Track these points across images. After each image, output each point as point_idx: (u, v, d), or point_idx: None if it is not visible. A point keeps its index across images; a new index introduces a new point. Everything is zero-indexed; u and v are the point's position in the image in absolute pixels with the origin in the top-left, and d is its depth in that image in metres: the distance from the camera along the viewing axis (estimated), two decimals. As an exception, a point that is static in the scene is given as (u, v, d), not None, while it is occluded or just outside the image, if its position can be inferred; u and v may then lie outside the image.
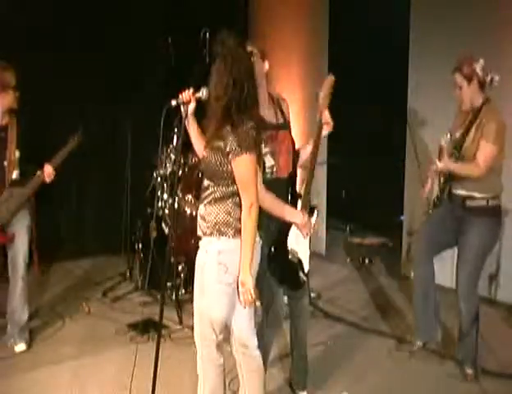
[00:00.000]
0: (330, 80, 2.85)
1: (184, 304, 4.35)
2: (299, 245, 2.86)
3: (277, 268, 2.88)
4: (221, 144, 2.32)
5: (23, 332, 3.72)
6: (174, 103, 2.39)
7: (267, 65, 2.82)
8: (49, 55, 5.22)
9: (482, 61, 3.32)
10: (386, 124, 5.94)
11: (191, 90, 2.41)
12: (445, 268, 4.92)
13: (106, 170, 5.78)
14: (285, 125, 2.86)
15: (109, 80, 5.58)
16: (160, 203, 4.69)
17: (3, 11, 5.00)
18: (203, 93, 2.41)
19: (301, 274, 2.92)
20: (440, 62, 4.69)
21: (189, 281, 4.64)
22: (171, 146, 4.66)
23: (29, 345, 3.73)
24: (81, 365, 3.51)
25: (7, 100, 3.48)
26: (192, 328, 3.97)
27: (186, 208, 4.74)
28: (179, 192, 4.70)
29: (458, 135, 3.44)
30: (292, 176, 2.87)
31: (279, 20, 6.63)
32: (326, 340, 3.94)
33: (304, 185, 2.80)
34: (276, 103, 2.87)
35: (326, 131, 2.86)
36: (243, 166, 2.29)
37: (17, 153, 3.53)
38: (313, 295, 4.67)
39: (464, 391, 3.29)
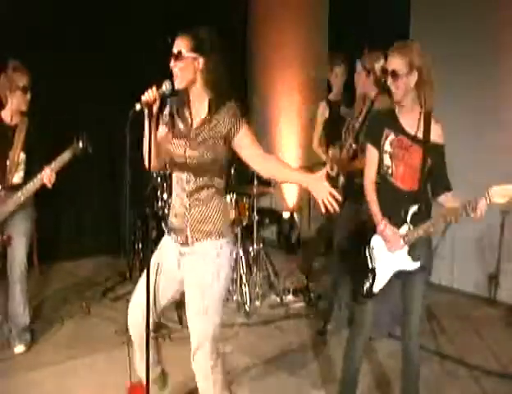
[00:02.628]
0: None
1: (183, 305, 4.34)
2: (386, 260, 2.69)
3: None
4: (218, 128, 2.34)
5: (23, 334, 3.71)
6: (138, 107, 2.21)
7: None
8: (49, 55, 5.22)
9: (382, 61, 3.50)
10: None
11: (154, 88, 2.26)
12: (444, 268, 4.93)
13: (106, 170, 5.77)
14: (421, 142, 2.63)
15: (109, 80, 5.58)
16: (160, 203, 4.69)
17: (3, 11, 5.00)
18: (166, 86, 2.29)
19: (366, 286, 2.70)
20: (440, 63, 4.69)
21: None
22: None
23: (29, 347, 3.71)
24: (81, 365, 3.51)
25: (15, 101, 3.46)
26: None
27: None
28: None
29: (357, 124, 3.70)
30: (415, 193, 2.63)
31: (279, 20, 6.63)
32: (327, 340, 3.94)
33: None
34: (425, 119, 2.68)
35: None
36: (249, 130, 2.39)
37: (22, 155, 3.51)
38: (312, 295, 4.69)
39: (464, 390, 3.29)
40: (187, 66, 2.33)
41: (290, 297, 4.71)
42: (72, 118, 3.72)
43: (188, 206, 2.40)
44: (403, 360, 2.86)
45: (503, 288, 4.62)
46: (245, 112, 2.42)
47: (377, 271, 2.69)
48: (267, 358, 3.65)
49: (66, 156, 3.50)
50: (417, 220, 2.59)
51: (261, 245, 4.88)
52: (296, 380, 3.38)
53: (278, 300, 4.65)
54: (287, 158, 5.38)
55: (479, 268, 4.76)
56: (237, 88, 6.99)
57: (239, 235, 4.69)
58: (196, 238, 2.39)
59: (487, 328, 4.13)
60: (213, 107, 2.34)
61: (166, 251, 2.52)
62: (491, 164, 4.56)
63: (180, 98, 2.42)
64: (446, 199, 2.62)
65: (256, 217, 4.76)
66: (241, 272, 4.62)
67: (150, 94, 2.24)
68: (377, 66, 3.60)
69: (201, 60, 2.33)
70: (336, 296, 4.09)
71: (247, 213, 4.71)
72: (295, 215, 6.35)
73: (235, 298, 4.55)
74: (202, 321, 2.42)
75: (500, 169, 4.54)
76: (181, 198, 2.41)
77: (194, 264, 2.41)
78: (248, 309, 4.39)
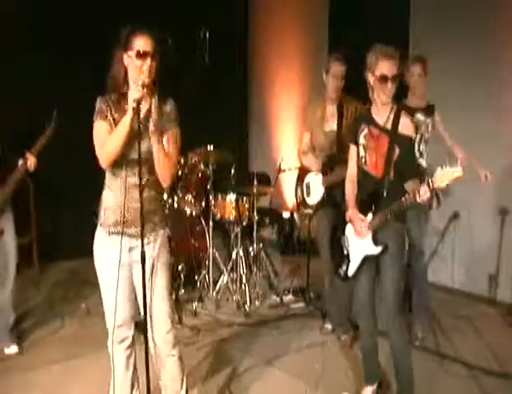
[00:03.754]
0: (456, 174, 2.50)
1: (183, 304, 4.36)
2: (356, 245, 2.91)
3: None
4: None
5: (13, 333, 3.67)
6: (134, 104, 2.26)
7: None
8: (49, 55, 5.22)
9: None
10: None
11: (139, 84, 2.31)
12: (445, 268, 4.93)
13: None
14: (390, 133, 2.79)
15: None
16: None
17: (3, 11, 5.01)
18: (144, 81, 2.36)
19: (342, 269, 2.97)
20: (440, 62, 4.69)
21: (189, 281, 4.65)
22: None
23: (21, 347, 3.67)
24: (81, 365, 3.51)
25: None
26: (192, 328, 4.00)
27: (186, 208, 4.75)
28: (179, 192, 4.71)
29: (332, 128, 3.79)
30: (381, 180, 2.80)
31: (279, 20, 6.64)
32: (326, 340, 3.94)
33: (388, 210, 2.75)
34: (395, 114, 2.81)
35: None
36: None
37: None
38: (312, 295, 4.68)
39: (464, 390, 3.29)
40: (156, 65, 2.41)
41: (290, 297, 4.71)
42: (72, 117, 3.72)
43: (142, 200, 2.43)
44: (391, 353, 2.93)
45: (503, 288, 4.63)
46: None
47: (350, 257, 2.95)
48: (267, 358, 3.65)
49: (44, 138, 3.57)
50: (383, 205, 2.76)
51: (261, 245, 4.88)
52: (296, 380, 3.38)
53: (278, 300, 4.65)
54: (287, 156, 5.35)
55: (479, 268, 4.76)
56: (238, 87, 7.05)
57: (239, 235, 4.69)
58: (149, 229, 2.49)
59: (487, 328, 4.13)
60: (160, 103, 2.40)
61: (110, 250, 2.50)
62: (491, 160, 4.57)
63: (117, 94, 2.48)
64: (407, 185, 2.77)
65: (256, 217, 4.76)
66: (241, 272, 4.62)
67: (140, 91, 2.29)
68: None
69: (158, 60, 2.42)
70: (332, 296, 4.09)
71: (247, 213, 4.71)
72: (295, 215, 6.35)
73: (235, 298, 4.55)
74: (167, 302, 2.56)
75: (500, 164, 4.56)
76: (131, 193, 2.42)
77: (148, 253, 2.47)
78: (248, 309, 4.39)
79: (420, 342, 3.81)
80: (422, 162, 3.79)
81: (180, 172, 4.66)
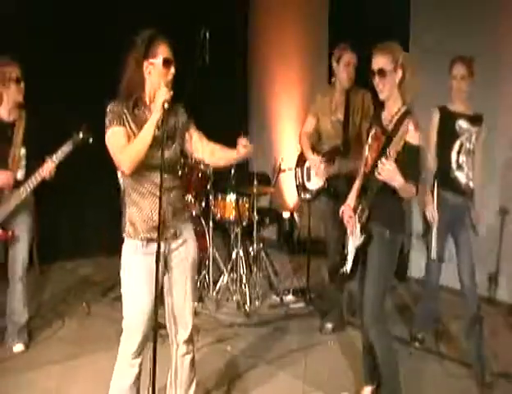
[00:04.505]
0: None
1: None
2: (349, 243, 2.94)
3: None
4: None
5: (22, 333, 3.72)
6: (167, 106, 2.31)
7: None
8: (49, 55, 5.22)
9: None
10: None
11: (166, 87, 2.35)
12: (444, 268, 4.92)
13: (106, 169, 5.75)
14: (388, 134, 2.73)
15: (109, 80, 5.57)
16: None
17: (3, 11, 5.01)
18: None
19: (343, 269, 2.97)
20: (440, 61, 4.69)
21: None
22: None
23: (28, 346, 3.72)
24: (81, 365, 3.51)
25: (11, 94, 3.43)
26: (192, 328, 4.00)
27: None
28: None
29: (338, 117, 3.81)
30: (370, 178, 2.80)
31: (279, 20, 6.64)
32: (326, 340, 3.94)
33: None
34: (400, 117, 2.70)
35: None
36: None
37: (23, 151, 3.50)
38: (312, 295, 4.68)
39: (464, 390, 3.29)
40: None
41: (290, 297, 4.71)
42: (73, 117, 3.73)
43: (170, 202, 2.45)
44: (362, 348, 3.01)
45: (503, 288, 4.63)
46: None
47: (348, 253, 2.94)
48: (267, 358, 3.65)
49: (66, 148, 3.51)
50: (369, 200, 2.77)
51: (261, 245, 4.88)
52: (296, 380, 3.38)
53: (278, 300, 4.65)
54: (287, 156, 5.35)
55: (479, 268, 4.72)
56: (238, 87, 7.04)
57: (239, 235, 4.69)
58: (180, 229, 2.51)
59: (487, 328, 4.12)
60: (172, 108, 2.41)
61: (145, 261, 2.43)
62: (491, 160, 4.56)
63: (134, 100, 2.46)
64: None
65: (256, 217, 4.76)
66: (241, 272, 4.62)
67: (168, 92, 2.33)
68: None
69: None
70: (334, 296, 4.10)
71: (247, 213, 4.71)
72: (295, 215, 6.35)
73: (235, 298, 4.55)
74: (192, 301, 2.62)
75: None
76: (157, 196, 2.33)
77: (181, 253, 2.52)
78: (248, 309, 4.39)
79: (420, 343, 3.80)
80: (461, 175, 3.52)
81: (180, 172, 4.66)
